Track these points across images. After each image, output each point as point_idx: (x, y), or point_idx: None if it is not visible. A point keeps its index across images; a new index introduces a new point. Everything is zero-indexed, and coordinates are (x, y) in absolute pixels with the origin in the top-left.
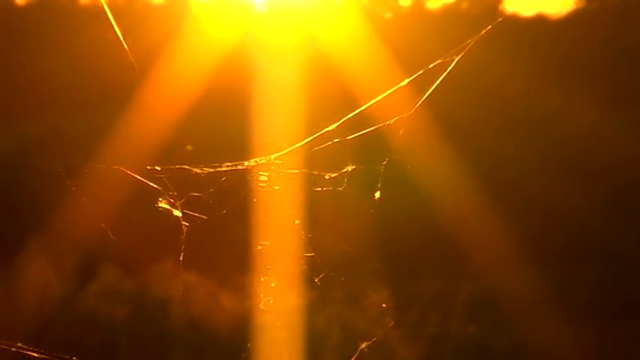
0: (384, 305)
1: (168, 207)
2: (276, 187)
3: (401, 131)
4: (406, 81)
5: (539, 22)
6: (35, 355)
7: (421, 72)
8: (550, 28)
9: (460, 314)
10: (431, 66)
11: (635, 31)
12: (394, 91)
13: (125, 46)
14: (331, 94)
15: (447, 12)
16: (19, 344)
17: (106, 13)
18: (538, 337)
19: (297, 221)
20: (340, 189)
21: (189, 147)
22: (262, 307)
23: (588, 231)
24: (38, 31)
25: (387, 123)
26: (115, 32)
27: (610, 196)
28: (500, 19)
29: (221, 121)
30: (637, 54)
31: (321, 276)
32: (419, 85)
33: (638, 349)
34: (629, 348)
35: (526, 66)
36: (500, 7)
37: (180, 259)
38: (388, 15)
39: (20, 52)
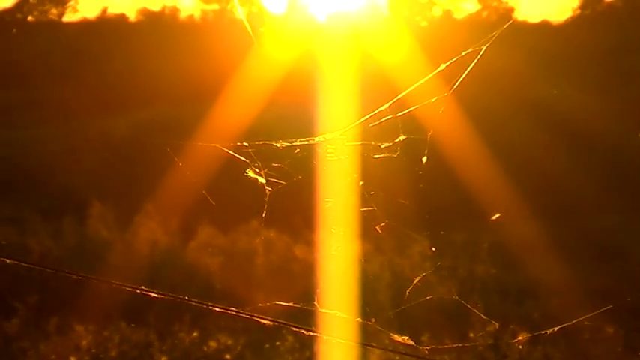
0: (433, 249)
1: (254, 175)
2: (342, 157)
3: (442, 108)
4: (443, 65)
5: (543, 26)
6: (155, 295)
7: (455, 58)
8: (552, 31)
9: (484, 258)
10: (464, 53)
11: (616, 34)
12: (433, 76)
13: (253, 37)
14: (383, 84)
15: (470, 19)
16: (142, 287)
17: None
18: (544, 275)
19: (360, 182)
20: (395, 155)
21: None
22: (333, 253)
23: (581, 191)
24: (148, 40)
25: (432, 100)
26: (248, 32)
27: (602, 162)
28: (510, 21)
29: (294, 111)
30: (617, 53)
31: (381, 224)
32: (452, 73)
33: (615, 282)
34: (607, 279)
35: (532, 60)
36: (514, 15)
37: (263, 216)
38: (424, 23)
39: (136, 59)
